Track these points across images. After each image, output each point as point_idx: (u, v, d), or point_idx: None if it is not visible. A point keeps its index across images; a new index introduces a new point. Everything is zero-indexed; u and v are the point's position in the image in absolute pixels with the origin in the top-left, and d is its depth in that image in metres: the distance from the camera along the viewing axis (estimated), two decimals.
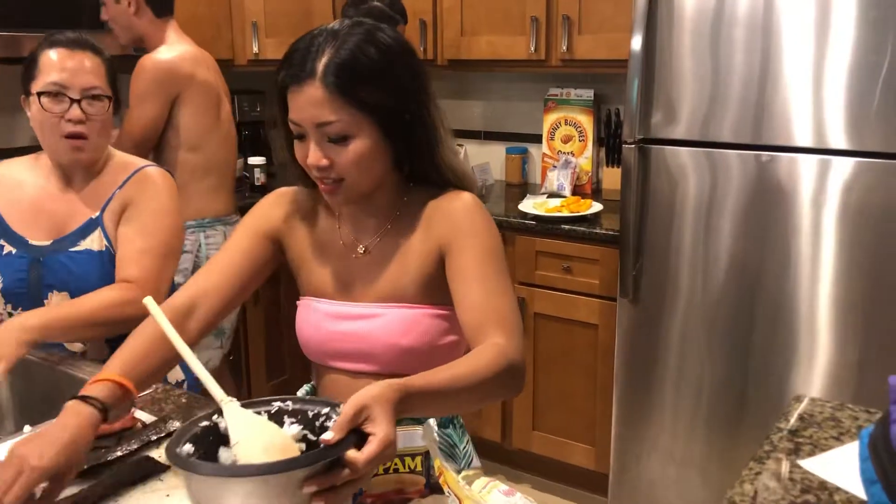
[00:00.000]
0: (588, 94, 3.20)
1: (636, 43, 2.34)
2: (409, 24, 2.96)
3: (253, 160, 3.36)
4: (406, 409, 0.97)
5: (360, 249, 1.31)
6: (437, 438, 0.95)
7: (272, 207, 1.38)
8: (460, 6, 3.15)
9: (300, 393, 1.46)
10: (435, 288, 1.27)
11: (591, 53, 2.89)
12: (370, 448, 0.89)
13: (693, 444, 2.51)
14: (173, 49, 2.64)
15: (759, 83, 2.23)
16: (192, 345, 1.14)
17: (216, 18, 3.29)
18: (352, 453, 0.88)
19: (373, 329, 1.29)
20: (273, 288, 3.19)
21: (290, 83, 1.16)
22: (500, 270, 1.24)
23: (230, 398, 0.99)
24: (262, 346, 3.28)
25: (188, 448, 0.94)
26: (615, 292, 2.58)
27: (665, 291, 2.47)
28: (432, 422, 0.95)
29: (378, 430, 0.90)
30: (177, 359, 1.21)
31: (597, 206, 2.86)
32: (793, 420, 1.31)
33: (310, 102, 1.14)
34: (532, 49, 2.98)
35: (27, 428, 1.29)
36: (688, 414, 2.51)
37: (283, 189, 1.40)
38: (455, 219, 1.25)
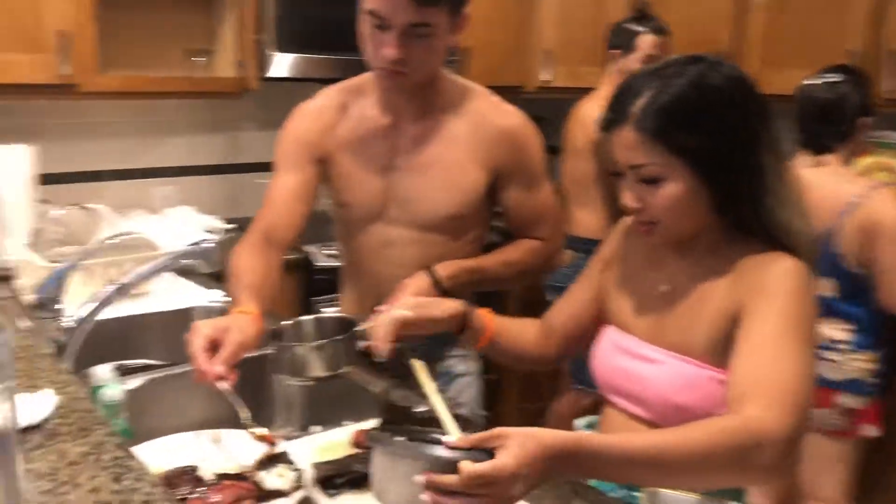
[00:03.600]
0: None
1: None
2: None
3: None
4: (572, 467, 0.93)
5: (663, 287, 1.24)
6: None
7: (612, 235, 1.40)
8: (763, 36, 2.95)
9: (580, 424, 1.43)
10: (726, 351, 1.14)
11: None
12: (480, 466, 0.88)
13: None
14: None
15: None
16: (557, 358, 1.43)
17: (509, 45, 3.36)
18: (464, 463, 0.88)
19: (650, 375, 1.22)
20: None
21: (609, 125, 1.16)
22: (798, 339, 1.07)
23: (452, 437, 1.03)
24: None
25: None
26: None
27: None
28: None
29: (499, 457, 0.89)
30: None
31: None
32: None
33: (623, 145, 1.14)
34: None
35: (318, 428, 1.37)
36: None
37: (625, 218, 1.38)
38: (765, 281, 1.12)
